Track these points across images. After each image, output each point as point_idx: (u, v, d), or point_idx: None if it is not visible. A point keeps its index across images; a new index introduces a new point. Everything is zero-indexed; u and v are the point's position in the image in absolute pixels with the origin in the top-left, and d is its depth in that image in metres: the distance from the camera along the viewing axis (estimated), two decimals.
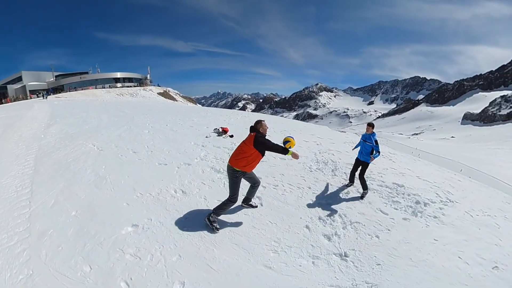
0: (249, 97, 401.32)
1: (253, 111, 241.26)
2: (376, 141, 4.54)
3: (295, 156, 3.46)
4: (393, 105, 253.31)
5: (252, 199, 4.15)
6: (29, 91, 36.38)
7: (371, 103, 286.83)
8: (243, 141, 3.66)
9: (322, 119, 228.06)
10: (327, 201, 4.38)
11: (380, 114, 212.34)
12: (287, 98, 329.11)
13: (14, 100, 31.11)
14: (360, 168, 4.68)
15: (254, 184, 3.89)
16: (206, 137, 7.84)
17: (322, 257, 3.22)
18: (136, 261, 2.85)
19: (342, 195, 4.61)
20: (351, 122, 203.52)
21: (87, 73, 43.66)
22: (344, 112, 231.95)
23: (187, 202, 4.15)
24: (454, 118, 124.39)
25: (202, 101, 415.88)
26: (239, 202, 3.89)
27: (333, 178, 5.21)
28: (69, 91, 36.93)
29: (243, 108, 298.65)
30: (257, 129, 3.63)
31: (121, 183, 4.77)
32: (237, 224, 3.70)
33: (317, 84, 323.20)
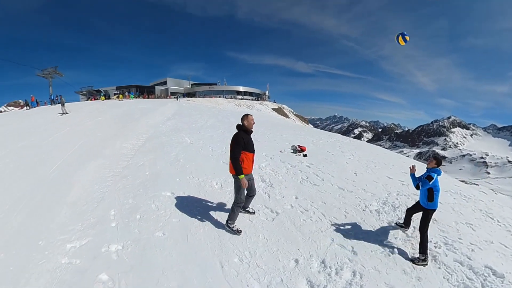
0: (367, 124, 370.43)
1: (368, 141, 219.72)
2: (430, 177, 3.63)
3: (243, 182, 3.65)
4: None
5: (250, 206, 4.60)
6: (170, 92, 52.28)
7: None
8: None
9: (450, 163, 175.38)
10: (353, 248, 3.77)
11: None
12: (410, 131, 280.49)
13: (157, 98, 47.96)
14: (421, 216, 3.79)
15: (250, 193, 4.10)
16: (280, 151, 8.94)
17: None
18: (154, 209, 4.58)
19: (382, 249, 3.81)
20: (488, 173, 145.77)
21: (215, 84, 57.33)
22: (482, 158, 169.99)
23: (217, 194, 5.51)
24: None
25: (317, 122, 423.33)
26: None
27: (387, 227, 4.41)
28: (198, 97, 48.74)
29: (359, 137, 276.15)
30: (242, 124, 3.86)
31: (186, 166, 6.90)
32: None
33: (449, 118, 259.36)
